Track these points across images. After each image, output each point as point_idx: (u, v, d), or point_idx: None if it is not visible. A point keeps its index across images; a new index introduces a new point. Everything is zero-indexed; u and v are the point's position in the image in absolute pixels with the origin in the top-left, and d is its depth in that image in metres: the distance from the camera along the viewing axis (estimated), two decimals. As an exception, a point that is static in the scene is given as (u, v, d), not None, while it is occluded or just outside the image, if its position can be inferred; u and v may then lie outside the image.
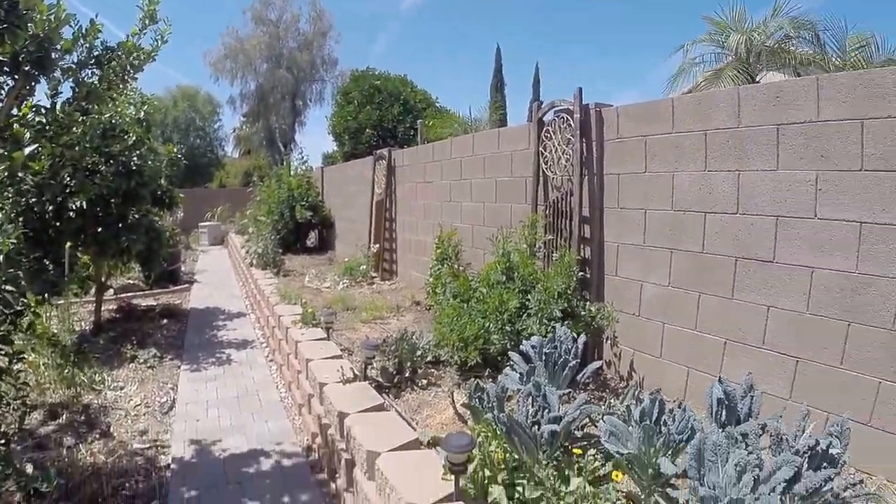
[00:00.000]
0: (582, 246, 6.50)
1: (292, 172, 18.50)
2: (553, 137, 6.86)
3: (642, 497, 3.77)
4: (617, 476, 3.74)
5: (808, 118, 4.53)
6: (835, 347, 4.47)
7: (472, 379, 5.03)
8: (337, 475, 4.99)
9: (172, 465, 5.46)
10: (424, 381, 5.99)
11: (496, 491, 3.76)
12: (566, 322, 5.69)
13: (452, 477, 3.68)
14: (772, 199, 4.76)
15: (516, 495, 3.77)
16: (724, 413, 4.02)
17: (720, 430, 3.62)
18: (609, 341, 6.29)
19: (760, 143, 4.83)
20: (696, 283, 5.35)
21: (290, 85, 45.46)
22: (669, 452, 3.71)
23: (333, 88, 42.69)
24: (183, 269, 16.56)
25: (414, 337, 6.42)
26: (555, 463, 3.94)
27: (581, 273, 6.32)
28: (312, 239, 18.97)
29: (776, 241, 4.75)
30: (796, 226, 4.63)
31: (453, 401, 5.24)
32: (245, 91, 45.86)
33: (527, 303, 6.06)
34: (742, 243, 4.97)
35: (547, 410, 4.12)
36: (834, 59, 12.29)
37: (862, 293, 4.32)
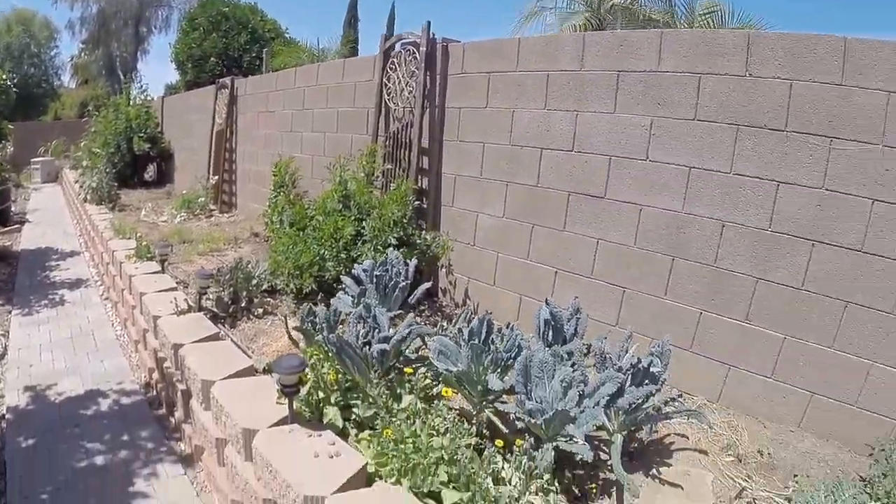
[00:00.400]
0: (420, 177, 6.35)
1: (131, 102, 16.97)
2: (398, 69, 6.58)
3: (474, 413, 3.74)
4: (447, 392, 3.66)
5: (648, 68, 4.58)
6: (660, 279, 4.63)
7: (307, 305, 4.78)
8: (175, 408, 4.71)
9: (7, 416, 4.91)
10: (261, 311, 5.72)
11: (331, 412, 3.65)
12: (401, 250, 5.51)
13: (286, 400, 3.52)
14: (607, 139, 4.80)
15: (353, 416, 3.67)
16: (550, 333, 4.02)
17: (546, 349, 3.58)
18: (445, 269, 6.22)
19: (601, 87, 4.84)
20: (530, 216, 5.35)
21: (133, 9, 41.25)
22: (498, 370, 3.65)
23: (180, 15, 38.20)
24: (13, 208, 14.82)
25: (249, 266, 6.06)
26: (387, 383, 3.82)
27: (417, 202, 6.18)
28: (151, 172, 17.67)
29: (608, 179, 4.80)
30: (628, 166, 4.71)
31: (286, 326, 4.95)
32: (86, 15, 41.10)
33: (362, 230, 5.82)
34: (576, 179, 4.98)
35: (377, 331, 3.96)
36: (682, 22, 12.57)
37: (687, 231, 4.48)
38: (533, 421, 3.30)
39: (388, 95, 6.73)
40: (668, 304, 4.64)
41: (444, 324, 5.01)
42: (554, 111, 5.12)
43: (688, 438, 4.13)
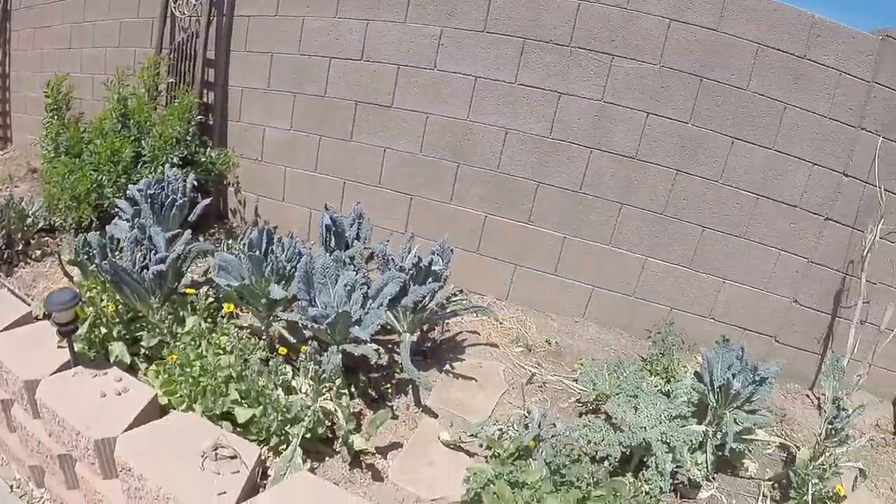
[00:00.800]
0: (205, 91, 6.01)
1: None
2: (188, -26, 6.14)
3: (263, 328, 3.73)
4: (229, 308, 3.59)
5: (441, -21, 4.65)
6: (446, 186, 4.83)
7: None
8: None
9: None
10: (39, 252, 5.26)
11: (117, 347, 3.51)
12: (185, 169, 5.23)
13: (66, 342, 3.28)
14: (396, 49, 4.83)
15: (142, 350, 3.55)
16: (333, 240, 4.07)
17: (328, 255, 3.61)
18: (233, 188, 6.00)
19: (393, -5, 4.84)
20: (317, 127, 5.30)
21: None
22: (283, 280, 3.64)
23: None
24: None
25: (22, 204, 5.52)
26: (171, 307, 3.72)
27: (202, 118, 5.87)
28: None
29: (396, 88, 4.86)
30: (416, 75, 4.78)
31: (60, 261, 4.59)
32: None
33: (143, 151, 5.47)
34: (364, 89, 4.99)
35: (154, 252, 3.77)
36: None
37: (471, 138, 4.68)
38: (318, 327, 3.33)
39: (175, 3, 6.26)
40: (455, 209, 4.85)
41: (230, 242, 4.90)
42: (345, 19, 5.05)
43: (479, 334, 4.42)
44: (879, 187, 4.34)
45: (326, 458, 3.16)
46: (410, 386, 3.73)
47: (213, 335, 3.41)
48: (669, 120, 4.39)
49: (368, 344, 3.35)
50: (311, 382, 3.15)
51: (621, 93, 4.40)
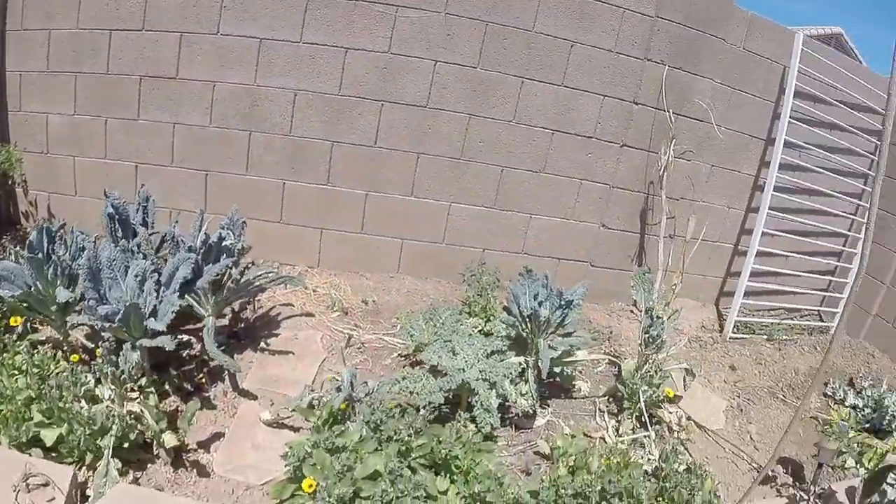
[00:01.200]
0: (-21, 78, 5.55)
1: None
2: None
3: (61, 338, 3.63)
4: (15, 321, 3.47)
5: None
6: (240, 156, 4.81)
7: None
8: None
9: None
10: None
11: None
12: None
13: None
14: (179, 15, 4.68)
15: None
16: (119, 229, 3.92)
17: (114, 246, 3.53)
18: (21, 188, 5.51)
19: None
20: (102, 108, 5.02)
21: None
22: (72, 282, 3.54)
23: None
24: None
25: None
26: None
27: (-25, 113, 5.43)
28: None
29: (180, 58, 4.74)
30: (199, 42, 4.69)
31: None
32: None
33: None
34: (148, 61, 4.81)
35: (-73, 273, 3.55)
36: None
37: (261, 104, 4.69)
38: (111, 325, 3.23)
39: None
40: (252, 180, 4.85)
41: (19, 249, 4.69)
42: (124, -13, 4.82)
43: (293, 306, 4.51)
44: (668, 112, 4.75)
45: (148, 465, 3.12)
46: (226, 372, 3.75)
47: (6, 355, 3.29)
48: (458, 66, 4.59)
49: (166, 335, 3.28)
50: (113, 387, 3.08)
51: (408, 43, 4.53)
